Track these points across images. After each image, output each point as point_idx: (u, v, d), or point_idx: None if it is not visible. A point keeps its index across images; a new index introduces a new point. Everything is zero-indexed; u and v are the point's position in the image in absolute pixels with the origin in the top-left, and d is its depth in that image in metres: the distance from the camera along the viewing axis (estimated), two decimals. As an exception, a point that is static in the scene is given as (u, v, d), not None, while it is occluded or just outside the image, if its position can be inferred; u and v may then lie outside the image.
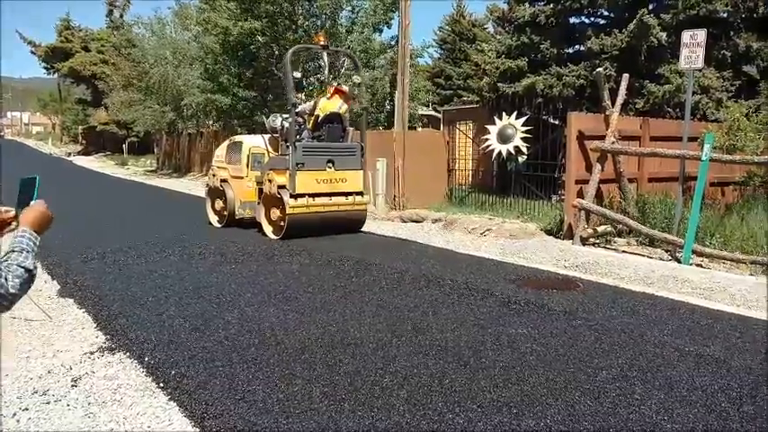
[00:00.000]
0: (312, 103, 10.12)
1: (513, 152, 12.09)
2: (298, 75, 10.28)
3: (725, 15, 14.57)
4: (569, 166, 9.49)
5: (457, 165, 14.59)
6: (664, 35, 13.81)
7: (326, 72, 16.48)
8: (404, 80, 12.95)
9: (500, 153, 12.27)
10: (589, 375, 3.94)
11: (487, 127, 12.67)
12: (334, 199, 9.46)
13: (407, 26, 13.27)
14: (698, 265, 7.72)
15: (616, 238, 9.35)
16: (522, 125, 12.09)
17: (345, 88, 10.08)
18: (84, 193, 17.60)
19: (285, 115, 9.81)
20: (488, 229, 10.60)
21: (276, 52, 17.01)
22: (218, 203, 10.59)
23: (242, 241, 8.95)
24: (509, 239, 9.71)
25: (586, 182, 9.37)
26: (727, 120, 10.37)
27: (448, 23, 32.77)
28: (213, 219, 10.72)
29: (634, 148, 9.48)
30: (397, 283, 6.45)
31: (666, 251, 8.45)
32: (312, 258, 7.74)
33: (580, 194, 9.37)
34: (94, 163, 37.13)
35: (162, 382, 3.85)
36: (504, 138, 12.10)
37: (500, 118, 12.47)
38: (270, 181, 9.22)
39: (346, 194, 9.59)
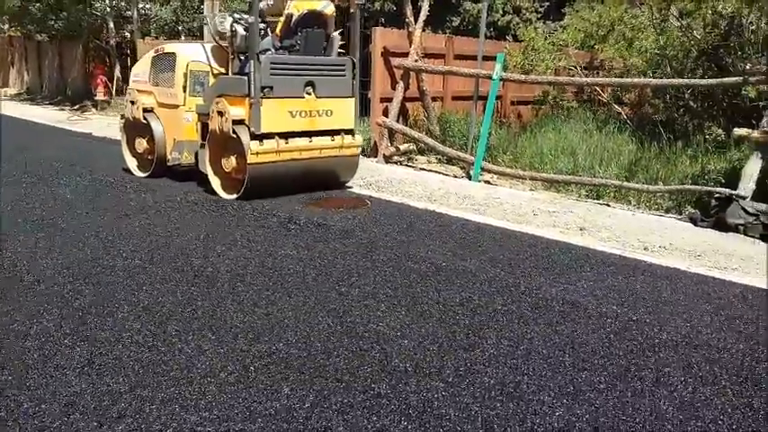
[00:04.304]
0: None
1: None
2: None
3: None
4: (374, 84, 9.44)
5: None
6: (479, -47, 13.94)
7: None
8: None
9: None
10: (341, 294, 3.94)
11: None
12: (316, 140, 6.65)
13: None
14: (487, 182, 8.09)
15: (418, 156, 9.56)
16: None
17: None
18: None
19: (237, 15, 6.87)
20: (300, 147, 10.40)
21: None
22: (141, 143, 7.42)
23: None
24: (317, 157, 9.60)
25: (392, 100, 9.40)
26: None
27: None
28: (132, 164, 7.66)
29: (433, 67, 9.59)
30: (182, 205, 6.11)
31: (462, 168, 8.77)
32: (93, 177, 7.14)
33: (386, 113, 9.40)
34: None
35: None
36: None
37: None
38: (220, 113, 6.28)
39: (332, 133, 6.82)
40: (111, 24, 16.69)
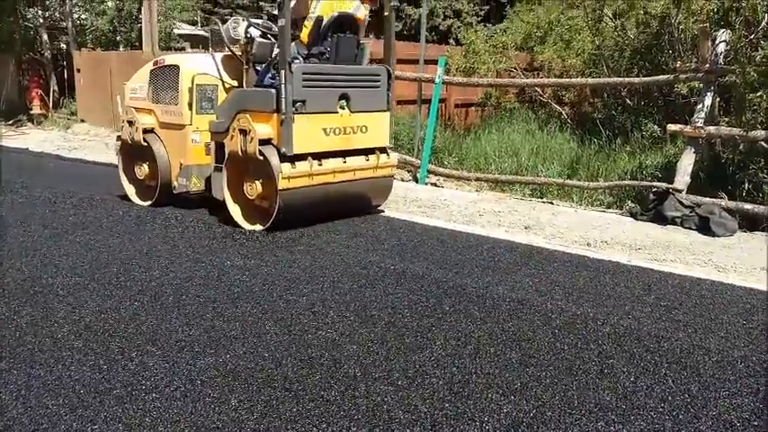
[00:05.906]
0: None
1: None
2: None
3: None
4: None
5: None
6: (418, -42, 14.11)
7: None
8: (150, -5, 11.88)
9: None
10: (288, 303, 3.91)
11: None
12: (350, 161, 5.86)
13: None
14: (433, 185, 8.16)
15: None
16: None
17: None
18: None
19: (254, 20, 6.11)
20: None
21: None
22: (141, 168, 6.55)
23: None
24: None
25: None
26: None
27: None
28: (131, 192, 6.76)
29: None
30: (124, 219, 5.98)
31: (409, 172, 8.83)
32: (30, 193, 6.92)
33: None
34: None
35: None
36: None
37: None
38: (244, 132, 5.47)
39: (366, 153, 6.05)
40: (45, 36, 16.22)
